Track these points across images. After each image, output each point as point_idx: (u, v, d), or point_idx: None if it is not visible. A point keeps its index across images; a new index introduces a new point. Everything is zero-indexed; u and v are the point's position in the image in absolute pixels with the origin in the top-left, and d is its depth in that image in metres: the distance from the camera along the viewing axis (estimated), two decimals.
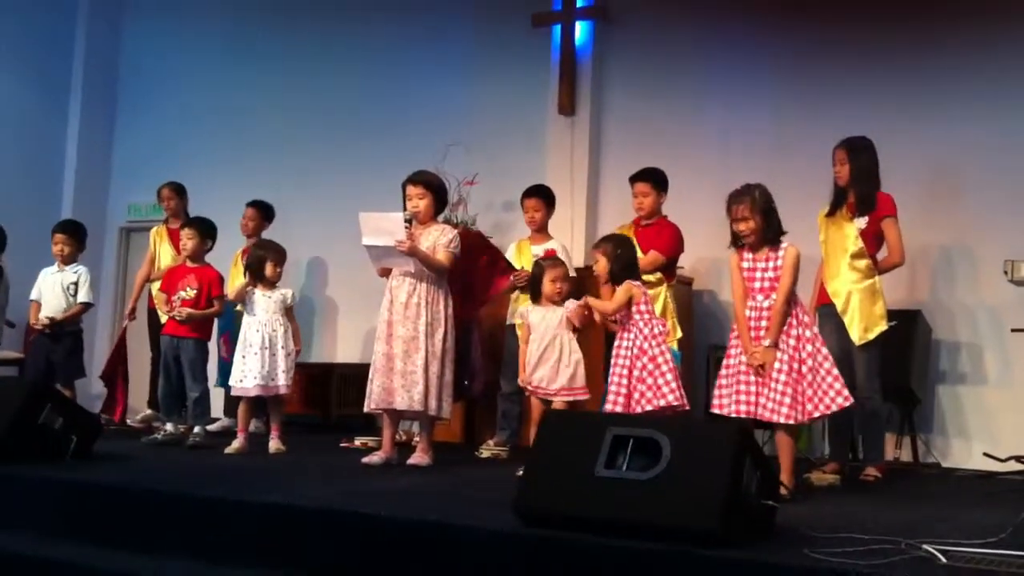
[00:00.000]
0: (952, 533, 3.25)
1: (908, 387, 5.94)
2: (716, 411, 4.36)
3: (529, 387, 5.10)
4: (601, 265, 4.81)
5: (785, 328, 4.25)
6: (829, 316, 5.16)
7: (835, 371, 4.27)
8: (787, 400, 4.17)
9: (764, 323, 4.27)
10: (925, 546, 2.93)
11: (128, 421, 7.17)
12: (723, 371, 4.39)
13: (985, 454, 5.55)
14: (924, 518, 3.90)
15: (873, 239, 5.19)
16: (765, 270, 4.29)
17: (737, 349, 4.34)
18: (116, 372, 7.06)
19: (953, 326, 6.33)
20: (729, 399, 4.29)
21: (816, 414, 4.27)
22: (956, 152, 6.38)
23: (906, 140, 6.23)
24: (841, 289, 5.11)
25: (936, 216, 6.27)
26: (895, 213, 5.22)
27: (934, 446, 6.25)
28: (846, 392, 4.26)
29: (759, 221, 4.27)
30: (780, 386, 4.19)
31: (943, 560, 2.82)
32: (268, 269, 5.80)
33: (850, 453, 5.56)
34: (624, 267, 4.77)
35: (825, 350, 4.31)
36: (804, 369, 4.23)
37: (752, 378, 4.25)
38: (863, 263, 5.12)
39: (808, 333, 4.28)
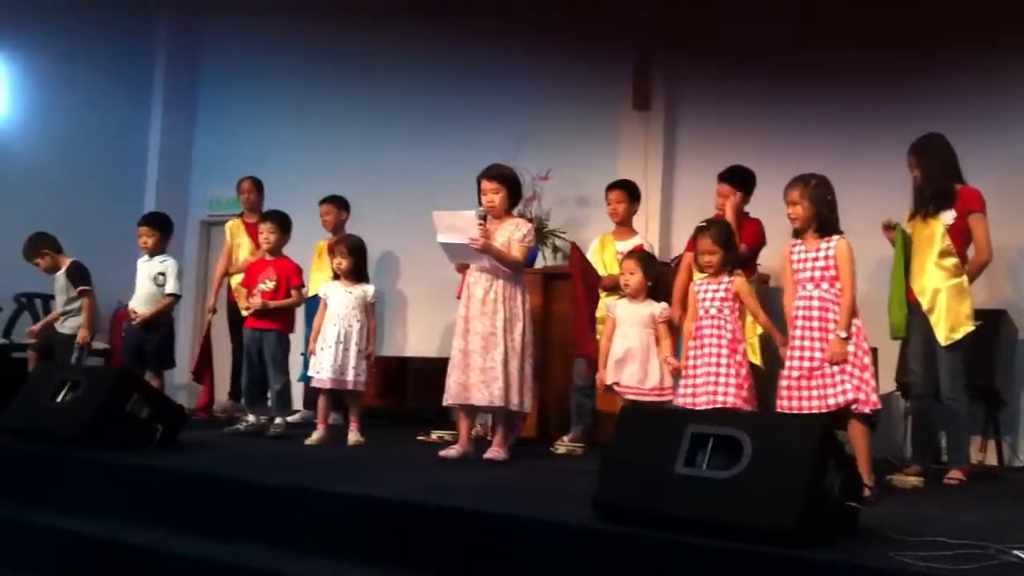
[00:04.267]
0: None
1: (993, 388, 5.79)
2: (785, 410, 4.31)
3: (616, 387, 5.11)
4: (718, 257, 4.78)
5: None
6: (915, 315, 5.06)
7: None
8: (867, 388, 4.18)
9: (815, 312, 4.27)
10: (1015, 551, 2.87)
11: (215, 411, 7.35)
12: (785, 371, 4.35)
13: None
14: (1012, 522, 3.81)
15: (960, 236, 5.06)
16: (816, 259, 4.31)
17: (799, 351, 4.29)
18: (204, 368, 7.26)
19: None
20: (799, 397, 4.26)
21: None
22: None
23: (983, 136, 6.07)
24: (927, 287, 5.00)
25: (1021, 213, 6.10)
26: (983, 208, 5.08)
27: (1020, 449, 6.09)
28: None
29: (808, 208, 4.31)
30: (860, 376, 4.18)
31: None
32: (333, 262, 5.93)
33: (933, 455, 5.44)
34: (733, 256, 4.79)
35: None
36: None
37: (821, 371, 4.21)
38: (950, 261, 5.00)
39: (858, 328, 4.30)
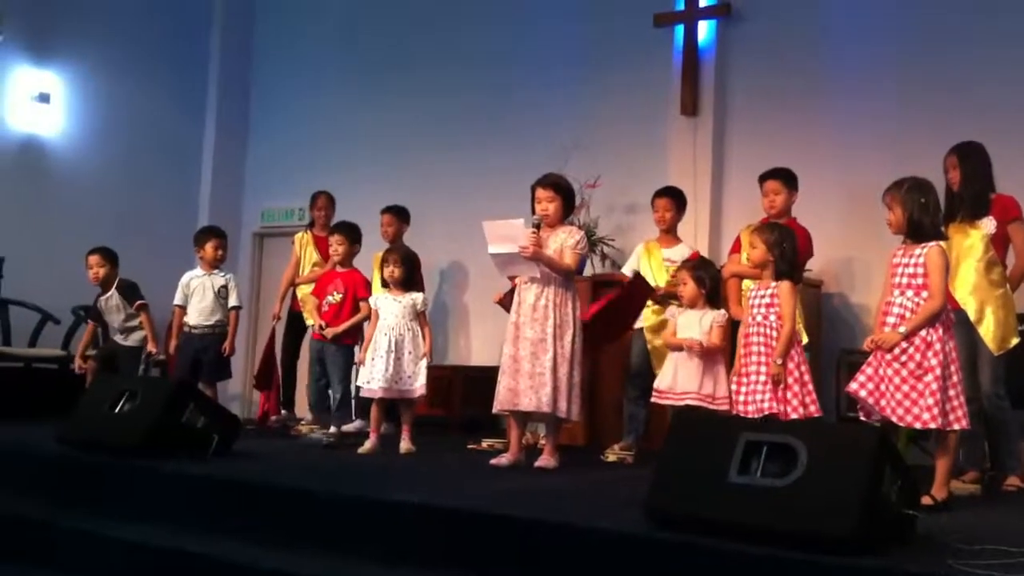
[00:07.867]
0: None
1: None
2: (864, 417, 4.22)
3: (671, 396, 5.11)
4: (759, 252, 4.73)
5: (940, 334, 4.10)
6: (959, 322, 4.97)
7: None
8: (959, 410, 4.08)
9: (892, 319, 4.15)
10: None
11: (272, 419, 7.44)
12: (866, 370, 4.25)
13: None
14: None
15: (1001, 244, 5.05)
16: (907, 266, 4.20)
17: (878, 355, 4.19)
18: (270, 375, 7.35)
19: None
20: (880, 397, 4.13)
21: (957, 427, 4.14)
22: None
23: None
24: (973, 298, 4.94)
25: None
26: (1022, 215, 5.09)
27: None
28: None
29: (899, 214, 4.22)
30: (949, 396, 4.07)
31: None
32: (384, 271, 5.95)
33: (986, 461, 5.35)
34: (788, 263, 4.70)
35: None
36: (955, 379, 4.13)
37: (897, 381, 4.11)
38: (997, 271, 4.97)
39: (949, 347, 4.14)
